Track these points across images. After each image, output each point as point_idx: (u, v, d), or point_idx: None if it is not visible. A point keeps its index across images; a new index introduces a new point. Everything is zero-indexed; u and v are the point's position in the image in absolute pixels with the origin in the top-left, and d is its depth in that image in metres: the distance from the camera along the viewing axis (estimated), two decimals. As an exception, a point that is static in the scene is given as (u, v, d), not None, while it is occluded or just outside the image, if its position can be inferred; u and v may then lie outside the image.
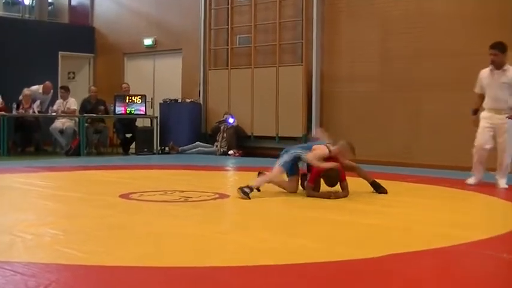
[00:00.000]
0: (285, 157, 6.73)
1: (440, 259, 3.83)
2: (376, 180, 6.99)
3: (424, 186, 7.85)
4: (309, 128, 12.66)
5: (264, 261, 3.64)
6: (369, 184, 6.94)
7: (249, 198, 6.26)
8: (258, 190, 6.56)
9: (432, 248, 4.04)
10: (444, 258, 3.85)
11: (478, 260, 3.84)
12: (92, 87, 14.65)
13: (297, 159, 6.73)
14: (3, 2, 17.10)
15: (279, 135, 13.12)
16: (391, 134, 11.61)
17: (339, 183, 6.59)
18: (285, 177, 6.87)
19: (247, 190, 6.35)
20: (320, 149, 6.66)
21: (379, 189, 6.87)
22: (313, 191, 6.53)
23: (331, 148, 6.65)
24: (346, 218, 5.31)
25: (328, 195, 6.39)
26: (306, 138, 12.54)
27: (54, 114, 13.34)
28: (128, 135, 14.13)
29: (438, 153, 10.96)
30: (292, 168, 6.77)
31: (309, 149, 6.74)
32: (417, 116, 11.35)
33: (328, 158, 6.58)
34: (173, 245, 4.06)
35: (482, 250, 4.06)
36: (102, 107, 13.65)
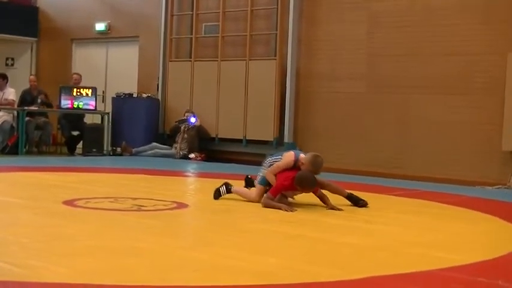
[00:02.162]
0: (261, 172, 6.96)
1: (426, 285, 3.86)
2: (352, 193, 7.04)
3: (412, 200, 7.92)
4: (281, 132, 12.71)
5: (227, 281, 3.64)
6: (345, 199, 7.00)
7: (218, 198, 6.90)
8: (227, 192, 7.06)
9: (417, 271, 4.07)
10: (430, 285, 3.88)
11: None
12: (31, 76, 14.51)
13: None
14: None
15: (247, 138, 13.13)
16: (377, 141, 11.69)
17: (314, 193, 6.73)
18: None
19: (222, 190, 7.01)
20: (284, 159, 6.77)
21: (358, 202, 6.93)
22: (269, 200, 6.61)
23: (301, 157, 6.72)
24: (322, 235, 5.33)
25: (278, 207, 6.47)
26: (277, 143, 12.59)
27: (-12, 106, 13.18)
28: (75, 133, 14.03)
29: (430, 164, 11.06)
30: (264, 178, 6.92)
31: (281, 157, 6.89)
32: (406, 121, 11.44)
33: (292, 169, 6.69)
34: (124, 261, 4.03)
35: (472, 276, 4.10)
36: (41, 97, 13.44)
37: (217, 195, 7.01)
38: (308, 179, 6.54)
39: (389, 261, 4.39)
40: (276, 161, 6.84)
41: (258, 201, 6.81)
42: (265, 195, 6.77)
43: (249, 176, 7.51)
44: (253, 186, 7.18)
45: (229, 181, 7.26)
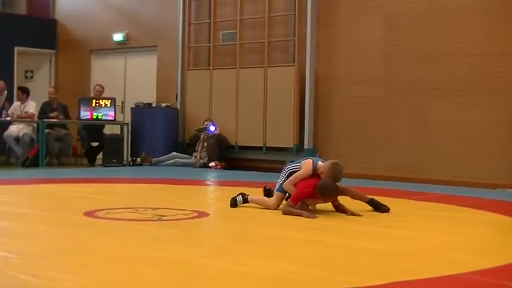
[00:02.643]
0: (280, 179, 6.94)
1: (449, 288, 3.85)
2: (373, 198, 7.02)
3: (433, 204, 7.88)
4: (301, 138, 12.70)
5: (248, 290, 3.65)
6: (366, 204, 6.99)
7: (234, 206, 6.91)
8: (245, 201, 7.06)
9: (440, 276, 4.05)
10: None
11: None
12: (50, 89, 14.58)
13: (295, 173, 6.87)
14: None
15: (267, 146, 13.14)
16: (396, 144, 11.66)
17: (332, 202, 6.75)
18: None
19: (238, 199, 7.00)
20: (303, 168, 6.75)
21: (379, 208, 6.91)
22: (289, 208, 6.61)
23: (320, 165, 6.69)
24: (343, 241, 5.32)
25: (299, 213, 6.46)
26: (297, 149, 12.58)
27: (8, 118, 13.29)
28: (94, 144, 14.11)
29: (449, 167, 11.02)
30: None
31: (300, 164, 6.87)
32: (425, 124, 11.41)
33: (312, 176, 6.69)
34: (145, 271, 4.05)
35: (497, 279, 4.08)
36: (55, 114, 13.53)
37: (233, 203, 7.02)
38: (330, 188, 6.53)
39: (411, 266, 4.37)
40: (295, 169, 6.81)
41: (276, 209, 6.81)
42: (285, 202, 6.77)
43: (267, 187, 7.50)
44: (272, 196, 7.20)
45: (248, 189, 7.27)
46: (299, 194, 6.63)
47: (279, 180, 6.95)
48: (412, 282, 3.89)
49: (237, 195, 7.08)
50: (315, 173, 6.69)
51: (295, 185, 6.72)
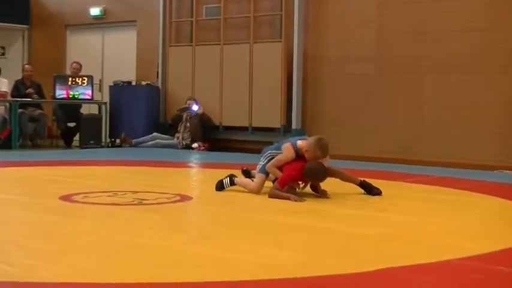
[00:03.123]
0: (262, 161, 6.89)
1: (445, 275, 3.86)
2: (365, 180, 7.02)
3: (427, 187, 7.91)
4: (288, 118, 12.69)
5: (232, 276, 3.63)
6: (357, 187, 6.98)
7: (221, 190, 6.89)
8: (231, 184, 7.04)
9: (435, 262, 4.06)
10: (450, 275, 3.87)
11: (491, 277, 3.87)
12: (26, 66, 14.48)
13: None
14: None
15: (253, 126, 13.13)
16: (390, 125, 11.67)
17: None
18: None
19: (225, 182, 6.98)
20: (284, 153, 6.71)
21: (371, 191, 6.91)
22: (276, 191, 6.59)
23: (301, 144, 6.64)
24: (333, 226, 5.32)
25: (287, 197, 6.46)
26: (284, 129, 12.58)
27: (-21, 98, 13.19)
28: (71, 125, 14.05)
29: (446, 148, 11.03)
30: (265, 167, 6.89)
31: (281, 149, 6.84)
32: (421, 104, 11.42)
33: (299, 159, 6.66)
34: (125, 258, 4.04)
35: (493, 265, 4.08)
36: (31, 91, 13.44)
37: (220, 187, 7.00)
38: (318, 171, 6.50)
39: (405, 252, 4.39)
40: (275, 154, 6.77)
41: (258, 192, 6.79)
42: (272, 185, 6.75)
43: (245, 168, 7.50)
44: (250, 177, 7.19)
45: (234, 172, 7.25)
46: (286, 177, 6.61)
47: (260, 162, 6.92)
48: (406, 268, 3.89)
49: (225, 178, 7.06)
50: (298, 155, 6.64)
51: (280, 168, 6.69)
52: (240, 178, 7.17)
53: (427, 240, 4.79)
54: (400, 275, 3.78)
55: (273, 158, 6.77)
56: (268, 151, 6.91)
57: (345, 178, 7.00)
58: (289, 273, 3.70)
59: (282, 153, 6.73)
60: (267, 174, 6.84)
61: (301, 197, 6.52)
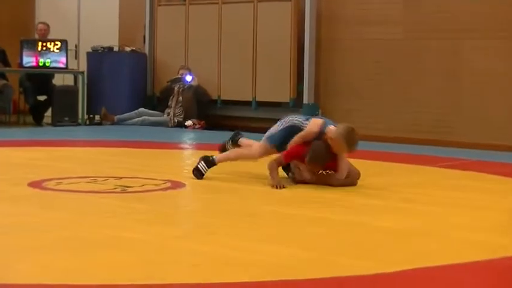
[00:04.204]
0: (277, 126, 6.81)
1: (481, 277, 3.89)
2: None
3: (462, 173, 7.96)
4: (299, 91, 12.69)
5: (235, 277, 3.67)
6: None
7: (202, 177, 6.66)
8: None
9: (469, 262, 4.09)
10: (485, 277, 3.91)
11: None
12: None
13: (293, 131, 6.74)
14: None
15: (257, 100, 13.13)
16: (418, 99, 11.65)
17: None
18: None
19: (202, 167, 6.72)
20: (308, 126, 6.69)
21: None
22: (273, 165, 6.59)
23: (329, 129, 6.61)
24: (351, 218, 5.36)
25: (271, 176, 6.49)
26: (294, 105, 12.58)
27: None
28: (41, 98, 14.04)
29: (485, 127, 10.99)
30: (283, 142, 6.75)
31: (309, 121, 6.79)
32: (456, 74, 11.37)
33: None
34: (107, 255, 4.06)
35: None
36: None
37: (199, 174, 6.81)
38: (318, 157, 6.50)
39: (432, 250, 4.42)
40: (299, 124, 6.69)
41: (256, 158, 6.79)
42: (276, 156, 6.73)
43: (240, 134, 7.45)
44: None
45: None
46: (293, 152, 6.61)
47: (274, 127, 6.83)
48: (432, 269, 3.92)
49: (198, 163, 6.85)
50: (320, 137, 6.64)
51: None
52: (224, 153, 7.07)
53: (458, 236, 4.82)
54: (429, 277, 3.81)
55: (295, 127, 6.74)
56: (290, 118, 6.85)
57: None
58: (297, 274, 3.74)
59: (307, 125, 6.69)
60: (276, 147, 6.75)
61: (282, 183, 6.51)
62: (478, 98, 11.16)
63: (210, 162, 6.88)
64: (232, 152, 7.04)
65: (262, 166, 6.76)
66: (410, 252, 4.34)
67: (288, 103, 12.73)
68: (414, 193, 6.49)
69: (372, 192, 6.48)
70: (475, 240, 4.69)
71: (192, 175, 6.82)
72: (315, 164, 6.58)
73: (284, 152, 6.67)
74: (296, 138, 6.66)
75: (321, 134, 6.58)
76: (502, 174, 7.78)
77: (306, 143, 6.59)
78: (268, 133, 6.88)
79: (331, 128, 6.60)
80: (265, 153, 6.82)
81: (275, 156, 6.75)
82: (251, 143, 7.08)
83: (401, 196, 6.32)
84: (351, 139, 6.47)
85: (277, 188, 6.40)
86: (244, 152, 6.92)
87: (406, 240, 4.66)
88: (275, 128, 6.84)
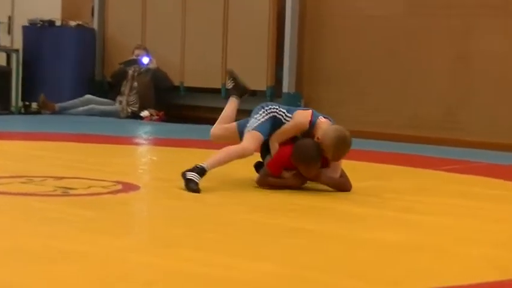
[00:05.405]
0: (257, 118, 6.79)
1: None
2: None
3: (471, 178, 8.03)
4: (278, 78, 12.71)
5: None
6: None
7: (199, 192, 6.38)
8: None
9: (476, 284, 4.12)
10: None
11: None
12: None
13: (276, 124, 6.77)
14: None
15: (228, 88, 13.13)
16: (422, 89, 11.70)
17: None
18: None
19: (194, 177, 6.41)
20: (296, 118, 6.73)
21: None
22: (266, 177, 6.66)
23: (321, 123, 6.64)
24: (337, 230, 5.39)
25: (283, 183, 6.58)
26: (272, 94, 12.60)
27: None
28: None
29: (500, 124, 11.06)
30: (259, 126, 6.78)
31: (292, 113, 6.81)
32: (467, 59, 11.44)
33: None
34: (46, 270, 4.06)
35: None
36: None
37: (194, 185, 6.49)
38: (313, 154, 6.55)
39: (434, 268, 4.45)
40: (282, 116, 6.72)
41: (252, 152, 6.73)
42: (261, 171, 6.79)
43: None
44: None
45: (202, 153, 7.23)
46: (279, 159, 6.63)
47: (252, 120, 6.81)
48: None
49: (185, 176, 6.53)
50: (309, 132, 6.70)
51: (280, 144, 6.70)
52: (211, 158, 6.98)
53: (467, 252, 4.85)
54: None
55: (276, 118, 6.74)
56: (269, 106, 6.86)
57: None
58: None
59: (291, 119, 6.71)
60: (262, 134, 6.71)
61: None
62: (492, 88, 11.23)
63: (201, 170, 6.54)
64: (222, 152, 6.78)
65: (232, 167, 6.80)
66: (406, 270, 4.37)
67: (264, 92, 12.74)
68: (413, 201, 6.54)
69: (362, 199, 6.52)
70: (484, 257, 4.73)
71: (186, 190, 6.42)
72: (311, 165, 6.61)
73: (269, 163, 6.71)
74: (281, 133, 6.70)
75: (310, 128, 6.62)
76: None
77: (288, 145, 6.61)
78: (250, 125, 6.80)
79: (323, 120, 6.65)
80: (257, 142, 6.73)
81: (260, 173, 6.79)
82: (225, 154, 6.83)
83: (398, 204, 6.37)
84: (340, 149, 6.49)
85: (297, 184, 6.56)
86: (237, 149, 6.76)
87: (402, 256, 4.70)
88: (255, 121, 6.79)
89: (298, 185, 6.61)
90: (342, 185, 6.71)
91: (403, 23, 11.91)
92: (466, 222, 5.87)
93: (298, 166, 6.58)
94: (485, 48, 11.27)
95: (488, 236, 5.41)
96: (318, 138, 6.50)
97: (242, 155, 6.70)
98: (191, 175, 6.43)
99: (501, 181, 7.83)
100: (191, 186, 6.38)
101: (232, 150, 6.75)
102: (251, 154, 6.73)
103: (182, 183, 6.45)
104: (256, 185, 6.74)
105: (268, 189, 6.62)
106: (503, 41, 11.13)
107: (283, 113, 6.77)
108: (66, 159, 8.26)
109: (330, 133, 6.47)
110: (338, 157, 6.54)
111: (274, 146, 6.73)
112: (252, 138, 6.71)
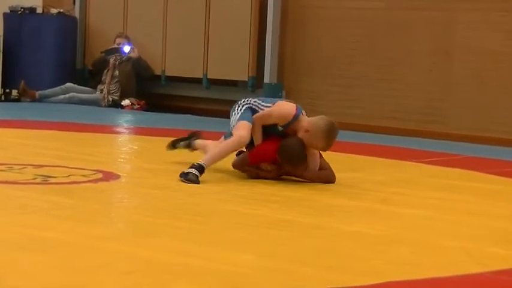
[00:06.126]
0: (238, 111, 6.82)
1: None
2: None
3: (452, 170, 8.06)
4: (260, 68, 12.70)
5: (176, 288, 3.70)
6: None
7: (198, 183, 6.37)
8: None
9: (454, 276, 4.14)
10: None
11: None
12: None
13: (253, 112, 6.80)
14: None
15: (209, 78, 13.14)
16: (403, 81, 11.72)
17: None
18: None
19: (193, 171, 6.40)
20: (280, 107, 6.75)
21: None
22: (243, 163, 6.71)
23: (303, 118, 6.65)
24: (318, 221, 5.40)
25: (255, 173, 6.64)
26: (253, 84, 12.59)
27: None
28: None
29: (481, 116, 11.08)
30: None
31: (271, 104, 6.84)
32: (449, 52, 11.46)
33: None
34: (25, 259, 4.04)
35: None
36: None
37: (194, 177, 6.45)
38: (295, 152, 6.53)
39: (415, 260, 4.47)
40: (262, 107, 6.79)
41: (249, 138, 6.69)
42: (240, 156, 6.81)
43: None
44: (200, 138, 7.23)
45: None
46: (261, 151, 6.67)
47: (234, 117, 6.81)
48: (415, 283, 3.97)
49: (189, 170, 6.52)
50: (291, 124, 6.71)
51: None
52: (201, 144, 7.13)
53: (443, 244, 4.87)
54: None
55: (252, 107, 6.78)
56: (244, 100, 6.91)
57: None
58: (253, 286, 3.77)
59: (276, 105, 6.77)
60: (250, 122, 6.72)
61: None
62: (474, 82, 11.25)
63: (198, 167, 6.50)
64: (218, 147, 6.83)
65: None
66: (386, 262, 4.37)
67: (246, 82, 12.74)
68: (394, 193, 6.56)
69: (343, 191, 6.54)
70: (463, 250, 4.73)
71: (185, 181, 6.41)
72: (298, 165, 6.61)
73: (250, 153, 6.72)
74: (265, 114, 6.71)
75: (292, 121, 6.63)
76: (500, 173, 7.86)
77: (272, 139, 6.62)
78: (233, 120, 6.81)
79: (305, 117, 6.67)
80: (250, 130, 6.69)
81: (237, 158, 6.81)
82: (208, 143, 7.07)
83: (379, 196, 6.38)
84: (331, 137, 6.54)
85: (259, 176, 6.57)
86: (233, 140, 6.68)
87: (382, 249, 4.70)
88: (235, 117, 6.78)
89: (272, 177, 6.61)
90: (327, 178, 6.74)
91: (385, 16, 11.92)
92: (447, 214, 5.87)
93: (285, 165, 6.64)
94: (466, 41, 11.28)
95: (468, 228, 5.43)
96: (306, 130, 6.50)
97: (239, 144, 6.71)
98: (190, 170, 6.43)
99: (482, 174, 7.86)
100: (191, 177, 6.38)
101: (228, 142, 6.77)
102: (247, 141, 6.69)
103: (174, 177, 6.48)
104: (233, 169, 6.79)
105: (242, 173, 6.70)
106: (484, 35, 11.15)
107: (258, 103, 6.82)
108: (46, 148, 8.25)
109: (320, 122, 6.54)
110: (328, 146, 6.58)
111: (257, 131, 6.72)
112: (241, 127, 6.69)
